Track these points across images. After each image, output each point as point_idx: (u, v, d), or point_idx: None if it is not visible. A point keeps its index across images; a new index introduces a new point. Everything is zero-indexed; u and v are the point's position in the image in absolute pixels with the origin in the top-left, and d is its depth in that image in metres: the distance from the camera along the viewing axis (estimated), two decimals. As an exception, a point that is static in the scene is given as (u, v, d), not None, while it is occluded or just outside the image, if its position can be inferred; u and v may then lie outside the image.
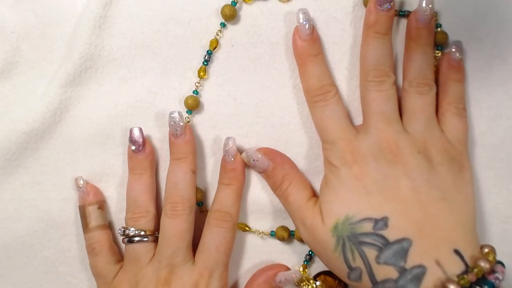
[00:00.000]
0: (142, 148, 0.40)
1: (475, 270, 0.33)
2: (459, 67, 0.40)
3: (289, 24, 0.42)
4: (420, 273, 0.34)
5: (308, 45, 0.40)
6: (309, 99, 0.40)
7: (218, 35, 0.42)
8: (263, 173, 0.41)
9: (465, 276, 0.33)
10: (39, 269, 0.43)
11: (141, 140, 0.40)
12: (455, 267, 0.34)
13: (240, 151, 0.41)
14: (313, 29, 0.40)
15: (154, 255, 0.40)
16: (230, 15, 0.41)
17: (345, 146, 0.38)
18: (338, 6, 0.42)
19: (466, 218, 0.37)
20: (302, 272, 0.42)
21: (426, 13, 0.38)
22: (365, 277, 0.35)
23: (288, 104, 0.42)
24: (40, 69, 0.42)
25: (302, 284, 0.41)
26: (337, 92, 0.40)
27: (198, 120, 0.42)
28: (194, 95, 0.42)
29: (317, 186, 0.42)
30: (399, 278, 0.34)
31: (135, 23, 0.42)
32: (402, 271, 0.34)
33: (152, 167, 0.41)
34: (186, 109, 0.42)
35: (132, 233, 0.40)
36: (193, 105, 0.41)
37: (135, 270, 0.39)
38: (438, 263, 0.34)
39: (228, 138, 0.40)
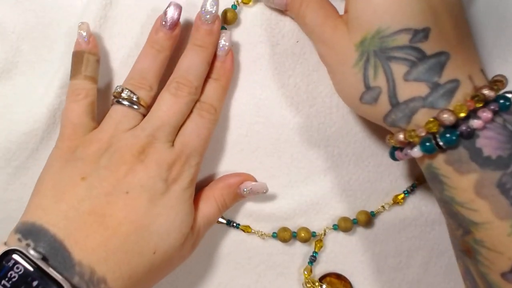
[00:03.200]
0: (172, 27, 0.38)
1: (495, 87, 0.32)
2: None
3: (289, 23, 0.42)
4: (453, 87, 0.32)
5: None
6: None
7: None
8: (284, 8, 0.39)
9: (494, 86, 0.32)
10: (39, 270, 0.43)
11: (176, 17, 0.38)
12: (483, 84, 0.32)
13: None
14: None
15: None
16: (231, 19, 0.41)
17: None
18: (337, 5, 0.41)
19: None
20: (306, 274, 0.41)
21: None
22: (383, 98, 0.33)
23: (288, 104, 0.42)
24: (40, 70, 0.42)
25: (307, 286, 0.41)
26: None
27: (198, 120, 0.42)
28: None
29: (318, 186, 0.42)
30: (429, 95, 0.32)
31: (135, 24, 0.42)
32: (435, 86, 0.32)
33: (170, 52, 0.39)
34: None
35: (126, 95, 0.37)
36: None
37: (112, 132, 0.37)
38: (470, 78, 0.32)
39: (223, 32, 0.39)
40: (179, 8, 0.38)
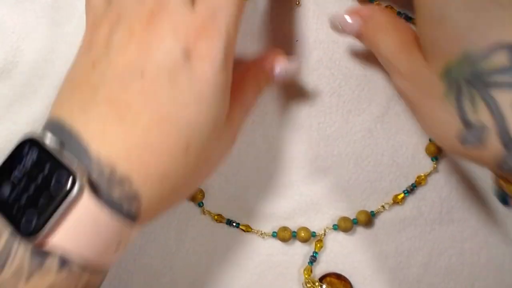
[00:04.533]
0: None
1: None
2: None
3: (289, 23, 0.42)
4: None
5: None
6: None
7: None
8: (356, 35, 0.34)
9: None
10: (39, 270, 0.43)
11: None
12: None
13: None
14: None
15: None
16: None
17: None
18: (337, 4, 0.42)
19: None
20: (306, 274, 0.41)
21: None
22: (493, 138, 0.25)
23: (287, 103, 0.42)
24: (40, 70, 0.42)
25: (307, 287, 0.41)
26: None
27: (198, 120, 0.42)
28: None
29: (318, 185, 0.42)
30: None
31: (135, 24, 0.42)
32: None
33: None
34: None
35: None
36: None
37: (120, 2, 0.30)
38: None
39: None
40: None
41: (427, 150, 0.41)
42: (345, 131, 0.42)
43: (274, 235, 0.42)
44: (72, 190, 0.24)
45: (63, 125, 0.27)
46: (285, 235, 0.41)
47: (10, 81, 0.42)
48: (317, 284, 0.41)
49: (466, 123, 0.25)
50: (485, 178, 0.42)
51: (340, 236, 0.42)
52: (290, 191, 0.42)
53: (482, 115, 0.25)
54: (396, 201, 0.41)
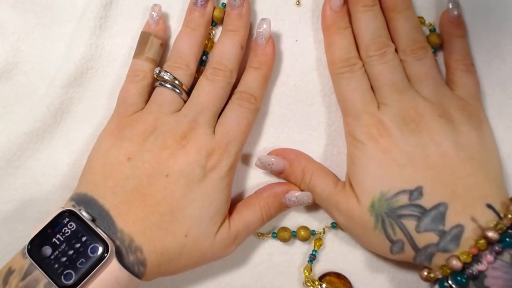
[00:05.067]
0: (204, 3, 0.40)
1: (508, 216, 0.35)
2: (459, 23, 0.41)
3: (288, 22, 0.42)
4: (458, 232, 0.35)
5: (338, 17, 0.40)
6: (334, 70, 0.40)
7: (211, 35, 0.42)
8: (282, 173, 0.41)
9: (500, 222, 0.35)
10: (39, 270, 0.43)
11: None
12: (490, 219, 0.35)
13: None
14: (344, 1, 0.40)
15: (179, 110, 0.39)
16: (219, 17, 0.41)
17: (369, 119, 0.38)
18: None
19: (493, 172, 0.38)
20: (306, 273, 0.42)
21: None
22: (407, 247, 0.37)
23: (287, 102, 0.42)
24: (40, 70, 0.42)
25: (307, 285, 0.41)
26: (362, 65, 0.39)
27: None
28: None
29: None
30: (440, 241, 0.35)
31: (135, 23, 0.42)
32: (442, 234, 0.35)
33: (206, 27, 0.41)
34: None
35: (166, 77, 0.39)
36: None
37: (157, 114, 0.38)
38: (473, 219, 0.35)
39: (262, 20, 0.40)
40: None
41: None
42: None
43: (274, 235, 0.42)
44: (105, 256, 0.33)
45: (96, 202, 0.36)
46: (285, 235, 0.41)
47: (10, 81, 0.42)
48: (317, 283, 0.41)
49: (391, 241, 0.37)
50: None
51: (340, 234, 0.42)
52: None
53: (399, 235, 0.37)
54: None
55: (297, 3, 0.42)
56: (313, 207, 0.42)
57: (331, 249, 0.42)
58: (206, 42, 0.42)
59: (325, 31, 0.41)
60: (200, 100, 0.38)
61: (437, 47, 0.42)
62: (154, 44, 0.40)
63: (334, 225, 0.42)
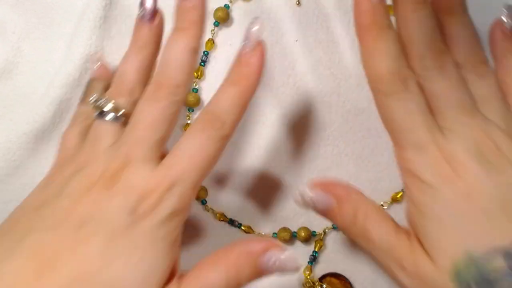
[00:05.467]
0: (151, 17, 0.33)
1: None
2: None
3: (288, 22, 0.42)
4: None
5: (380, 13, 0.30)
6: (380, 87, 0.30)
7: (212, 35, 0.42)
8: (327, 214, 0.32)
9: None
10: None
11: (152, 7, 0.33)
12: None
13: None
14: None
15: None
16: (223, 17, 0.41)
17: (436, 152, 0.29)
18: (337, 4, 0.42)
19: None
20: (307, 274, 0.41)
21: None
22: None
23: (287, 102, 0.42)
24: (40, 70, 0.42)
25: (307, 286, 0.41)
26: (415, 78, 0.30)
27: (198, 120, 0.42)
28: (194, 92, 0.42)
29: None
30: None
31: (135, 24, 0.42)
32: None
33: (156, 45, 0.34)
34: (187, 107, 0.42)
35: (102, 104, 0.32)
36: (194, 102, 0.41)
37: (90, 151, 0.31)
38: None
39: (255, 19, 0.31)
40: None
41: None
42: (345, 131, 0.42)
43: (275, 236, 0.42)
44: None
45: None
46: (285, 236, 0.41)
47: (10, 81, 0.42)
48: (317, 284, 0.41)
49: None
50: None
51: (340, 235, 0.42)
52: (290, 190, 0.42)
53: None
54: (395, 199, 0.42)
55: (297, 3, 0.42)
56: (313, 207, 0.42)
57: (332, 250, 0.42)
58: (207, 41, 0.42)
59: (363, 33, 0.30)
60: (135, 128, 0.30)
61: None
62: (96, 88, 0.36)
63: (335, 227, 0.42)
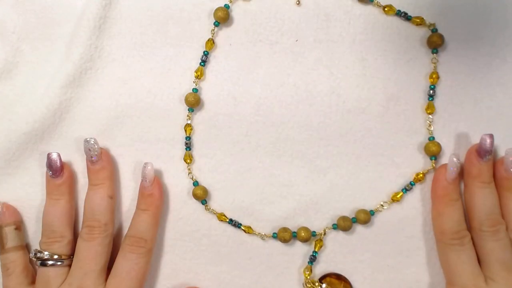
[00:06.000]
0: (60, 173, 0.40)
1: None
2: None
3: (288, 22, 0.42)
4: None
5: (452, 189, 0.40)
6: (443, 239, 0.40)
7: (213, 35, 0.42)
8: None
9: None
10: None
11: (58, 165, 0.40)
12: None
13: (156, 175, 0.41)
14: (457, 174, 0.40)
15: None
16: (223, 17, 0.41)
17: None
18: (337, 4, 0.42)
19: None
20: (307, 274, 0.41)
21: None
22: None
23: (287, 102, 0.42)
24: (40, 70, 0.42)
25: (307, 286, 0.41)
26: (471, 238, 0.39)
27: (198, 120, 0.42)
28: (194, 92, 0.42)
29: (317, 185, 0.42)
30: None
31: (135, 24, 0.42)
32: None
33: (70, 192, 0.41)
34: (188, 107, 0.42)
35: (45, 257, 0.39)
36: (194, 102, 0.41)
37: None
38: None
39: (146, 164, 0.40)
40: (57, 154, 0.40)
41: (426, 150, 0.41)
42: (345, 131, 0.42)
43: (275, 236, 0.42)
44: None
45: None
46: (285, 236, 0.41)
47: (10, 81, 0.42)
48: (317, 284, 0.41)
49: None
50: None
51: (340, 235, 0.42)
52: (290, 190, 0.42)
53: None
54: (395, 200, 0.41)
55: (297, 3, 0.42)
56: (314, 208, 0.42)
57: (332, 250, 0.42)
58: (207, 41, 0.42)
59: (436, 200, 0.40)
60: (81, 264, 0.39)
61: (439, 48, 0.42)
62: (8, 233, 0.41)
63: (335, 227, 0.42)
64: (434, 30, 0.42)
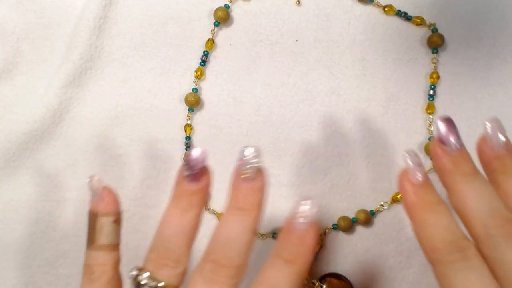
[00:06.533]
0: (200, 177, 0.29)
1: None
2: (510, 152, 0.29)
3: (288, 22, 0.42)
4: None
5: (425, 191, 0.29)
6: (437, 257, 0.28)
7: (213, 35, 0.42)
8: None
9: None
10: (38, 271, 0.43)
11: (201, 165, 0.29)
12: None
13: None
14: (424, 173, 0.29)
15: None
16: (223, 17, 0.41)
17: None
18: (337, 4, 0.42)
19: None
20: (306, 275, 0.41)
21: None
22: None
23: (287, 102, 0.42)
24: (40, 70, 0.42)
25: (307, 287, 0.41)
26: (476, 248, 0.28)
27: (198, 120, 0.42)
28: (194, 92, 0.42)
29: (317, 185, 0.42)
30: None
31: (135, 24, 0.42)
32: None
33: (202, 205, 0.31)
34: (188, 107, 0.42)
35: (144, 281, 0.29)
36: (194, 102, 0.41)
37: None
38: None
39: (305, 199, 0.29)
40: (202, 150, 0.29)
41: (426, 150, 0.41)
42: (345, 131, 0.42)
43: (275, 236, 0.42)
44: None
45: None
46: (285, 236, 0.41)
47: (10, 81, 0.42)
48: (317, 284, 0.41)
49: None
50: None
51: (340, 236, 0.42)
52: (290, 190, 0.42)
53: None
54: (395, 200, 0.42)
55: (297, 3, 0.42)
56: (313, 207, 0.42)
57: (332, 250, 0.42)
58: (207, 41, 0.42)
59: (410, 210, 0.29)
60: None
61: (439, 48, 0.42)
62: (104, 226, 0.31)
63: (335, 227, 0.42)
64: (434, 30, 0.42)
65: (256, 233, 0.30)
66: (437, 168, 0.29)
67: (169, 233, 0.30)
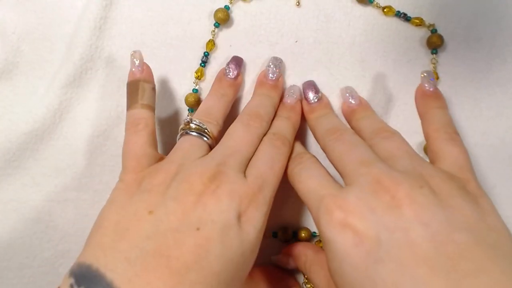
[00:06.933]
0: (237, 75, 0.40)
1: None
2: (436, 95, 0.37)
3: (288, 23, 0.42)
4: None
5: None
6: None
7: (213, 35, 0.42)
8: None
9: None
10: (39, 270, 0.43)
11: (240, 66, 0.41)
12: None
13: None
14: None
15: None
16: (223, 18, 0.41)
17: (330, 202, 0.31)
18: (336, 5, 0.42)
19: (501, 253, 0.27)
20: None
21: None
22: None
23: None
24: (40, 70, 0.42)
25: (307, 286, 0.41)
26: (311, 156, 0.37)
27: (198, 120, 0.42)
28: (194, 93, 0.42)
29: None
30: None
31: (135, 24, 0.42)
32: None
33: (235, 95, 0.41)
34: (188, 107, 0.42)
35: (194, 125, 0.36)
36: (194, 102, 0.41)
37: (180, 161, 0.33)
38: None
39: (292, 86, 0.41)
40: (242, 59, 0.41)
41: (426, 150, 0.41)
42: (345, 131, 0.42)
43: (275, 235, 0.42)
44: None
45: (102, 278, 0.27)
46: (286, 236, 0.41)
47: (10, 81, 0.42)
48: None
49: None
50: (484, 180, 0.42)
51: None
52: (290, 191, 0.42)
53: None
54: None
55: (297, 3, 0.42)
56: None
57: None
58: (207, 42, 0.42)
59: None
60: (231, 144, 0.34)
61: (438, 48, 0.42)
62: (146, 90, 0.37)
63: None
64: (434, 31, 0.42)
65: (275, 110, 0.39)
66: (304, 111, 0.40)
67: (209, 105, 0.38)
